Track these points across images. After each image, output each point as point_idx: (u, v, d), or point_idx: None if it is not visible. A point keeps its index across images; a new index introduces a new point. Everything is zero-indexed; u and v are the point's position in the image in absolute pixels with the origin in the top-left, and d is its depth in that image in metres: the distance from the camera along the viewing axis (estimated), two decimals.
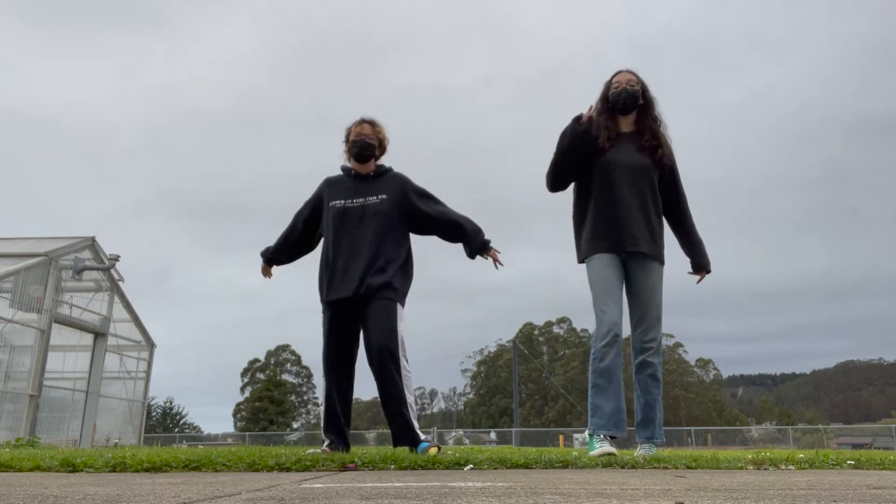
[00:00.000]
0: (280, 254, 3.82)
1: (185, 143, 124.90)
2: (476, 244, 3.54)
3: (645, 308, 3.34)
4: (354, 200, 3.52)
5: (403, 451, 3.32)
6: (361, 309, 3.41)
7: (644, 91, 3.46)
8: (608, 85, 3.49)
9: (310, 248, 3.81)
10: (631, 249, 3.30)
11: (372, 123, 3.63)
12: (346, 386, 3.51)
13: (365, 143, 3.55)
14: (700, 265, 3.57)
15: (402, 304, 3.48)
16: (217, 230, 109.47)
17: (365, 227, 3.44)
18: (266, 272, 3.86)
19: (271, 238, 3.84)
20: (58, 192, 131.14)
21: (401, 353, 3.34)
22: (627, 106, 3.43)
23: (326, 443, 3.44)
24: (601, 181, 3.38)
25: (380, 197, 3.51)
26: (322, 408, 3.55)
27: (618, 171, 3.36)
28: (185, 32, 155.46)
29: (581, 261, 3.46)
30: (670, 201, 3.52)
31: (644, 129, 3.46)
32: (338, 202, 3.54)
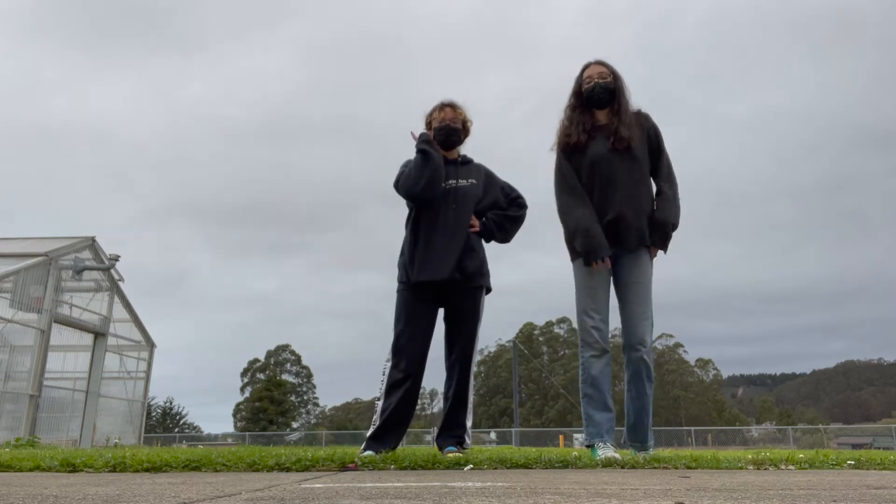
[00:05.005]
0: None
1: (209, 154, 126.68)
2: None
3: (633, 303, 3.21)
4: (447, 182, 3.40)
5: (404, 450, 3.32)
6: (451, 294, 3.34)
7: (616, 80, 3.35)
8: (580, 80, 3.40)
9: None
10: (618, 242, 3.21)
11: (453, 107, 3.51)
12: (418, 382, 3.30)
13: (451, 129, 3.45)
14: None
15: (489, 289, 3.47)
16: (229, 235, 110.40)
17: (461, 210, 3.36)
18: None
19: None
20: (82, 199, 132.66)
21: (475, 356, 3.43)
22: (602, 100, 3.34)
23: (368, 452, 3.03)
24: (585, 178, 3.31)
25: (470, 181, 3.45)
26: (379, 410, 3.24)
27: (598, 165, 3.28)
28: (217, 53, 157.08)
29: (572, 260, 3.38)
30: (653, 166, 3.38)
31: (619, 121, 3.31)
32: None
